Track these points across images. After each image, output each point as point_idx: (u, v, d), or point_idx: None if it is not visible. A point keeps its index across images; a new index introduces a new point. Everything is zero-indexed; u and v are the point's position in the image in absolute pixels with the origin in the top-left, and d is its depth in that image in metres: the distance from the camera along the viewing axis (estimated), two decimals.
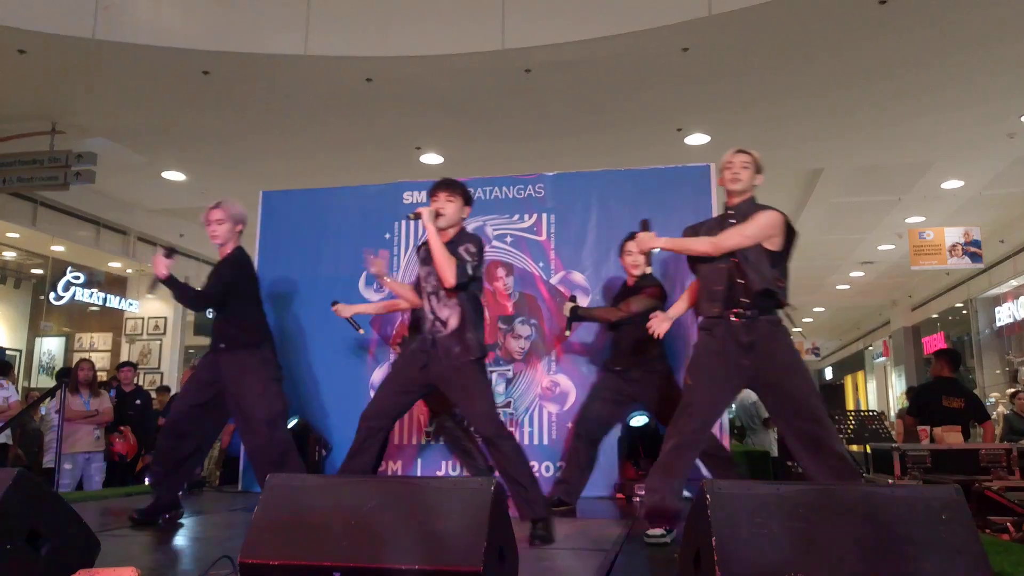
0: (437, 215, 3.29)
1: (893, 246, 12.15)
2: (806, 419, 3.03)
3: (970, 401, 5.74)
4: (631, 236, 3.94)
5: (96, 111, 7.34)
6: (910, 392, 11.76)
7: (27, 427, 7.44)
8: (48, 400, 7.03)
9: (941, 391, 5.82)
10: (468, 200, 3.42)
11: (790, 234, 3.18)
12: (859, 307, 18.01)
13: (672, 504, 3.06)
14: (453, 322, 3.27)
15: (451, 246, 3.26)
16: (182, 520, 3.71)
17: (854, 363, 23.73)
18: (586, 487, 4.43)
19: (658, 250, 3.67)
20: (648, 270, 4.16)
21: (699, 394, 3.14)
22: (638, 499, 4.34)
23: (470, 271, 3.24)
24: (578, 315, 4.15)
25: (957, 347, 14.99)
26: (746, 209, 3.21)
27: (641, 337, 3.81)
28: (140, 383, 8.54)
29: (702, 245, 3.20)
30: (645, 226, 3.41)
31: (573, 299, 4.20)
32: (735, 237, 3.14)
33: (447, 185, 3.37)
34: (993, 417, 11.69)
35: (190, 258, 12.12)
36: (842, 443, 3.09)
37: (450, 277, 3.19)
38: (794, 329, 3.19)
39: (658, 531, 3.06)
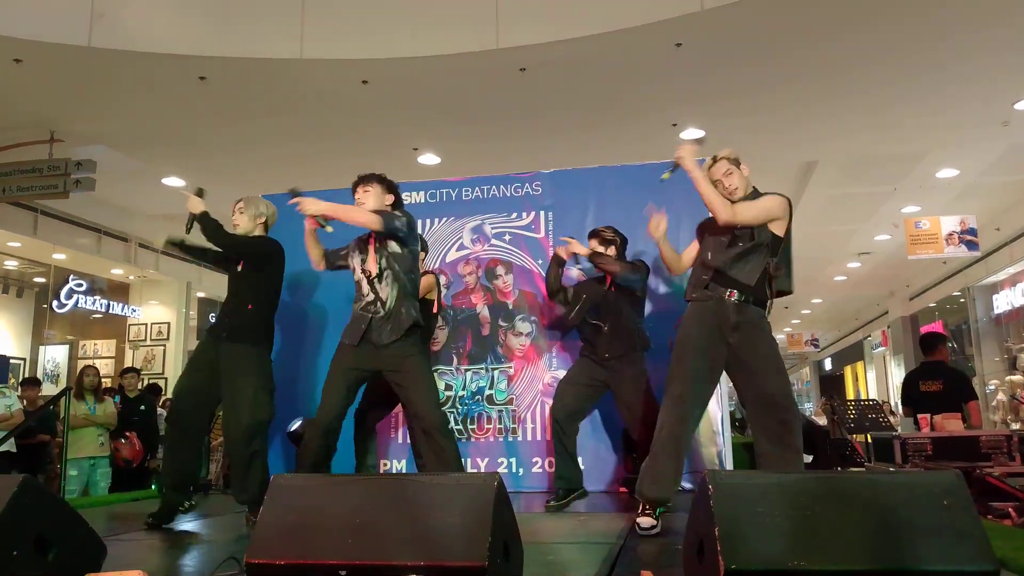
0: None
1: (889, 236, 12.15)
2: (774, 412, 3.12)
3: (950, 383, 5.69)
4: (592, 234, 4.31)
5: (94, 119, 7.34)
6: None
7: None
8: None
9: (919, 376, 5.85)
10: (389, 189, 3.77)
11: (791, 217, 3.29)
12: (857, 298, 18.02)
13: (668, 491, 3.12)
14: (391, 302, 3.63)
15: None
16: (188, 523, 3.74)
17: (853, 354, 23.74)
18: (590, 482, 4.45)
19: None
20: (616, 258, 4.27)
21: (680, 368, 3.21)
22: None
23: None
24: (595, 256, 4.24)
25: (956, 335, 15.01)
26: (752, 199, 3.30)
27: (625, 328, 4.07)
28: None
29: (724, 211, 3.19)
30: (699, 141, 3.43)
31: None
32: (745, 213, 3.21)
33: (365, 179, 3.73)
34: (993, 404, 11.73)
35: (191, 263, 12.14)
36: (801, 440, 3.16)
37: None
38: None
39: (649, 521, 3.09)
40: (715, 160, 3.37)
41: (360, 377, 3.67)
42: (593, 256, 4.21)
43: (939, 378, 5.72)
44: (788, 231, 3.27)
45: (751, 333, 3.16)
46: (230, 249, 3.86)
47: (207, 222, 3.76)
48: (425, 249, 4.77)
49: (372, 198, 3.68)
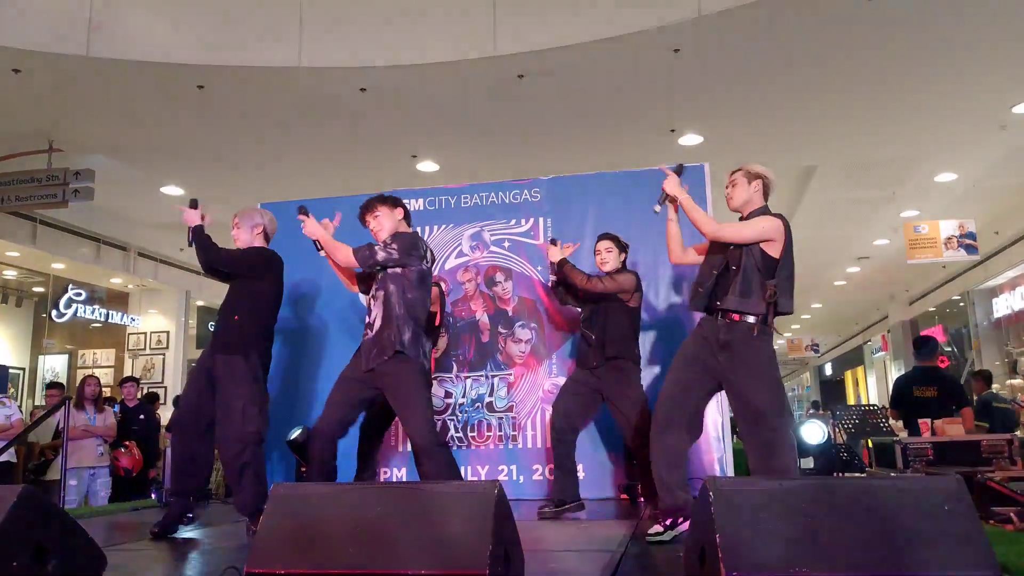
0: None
1: (888, 241, 12.16)
2: (759, 432, 3.12)
3: (944, 388, 5.68)
4: (602, 236, 4.23)
5: (93, 128, 7.36)
6: None
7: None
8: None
9: (913, 381, 5.84)
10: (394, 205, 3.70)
11: (789, 239, 3.26)
12: (857, 302, 18.01)
13: (675, 498, 3.12)
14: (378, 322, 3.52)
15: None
16: (189, 532, 3.73)
17: (853, 358, 23.73)
18: (591, 489, 4.44)
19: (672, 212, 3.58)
20: (618, 267, 4.19)
21: (670, 376, 3.32)
22: (642, 500, 4.35)
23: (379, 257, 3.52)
24: (562, 265, 4.22)
25: (956, 339, 15.00)
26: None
27: (612, 336, 4.03)
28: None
29: (707, 224, 3.30)
30: (679, 170, 3.50)
31: (554, 242, 4.35)
32: (731, 229, 3.27)
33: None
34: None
35: (190, 272, 12.14)
36: (790, 458, 3.12)
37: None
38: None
39: (658, 528, 3.09)
40: (737, 171, 3.40)
41: (360, 391, 3.55)
42: (562, 265, 4.21)
43: (933, 384, 5.71)
44: (788, 252, 3.24)
45: (740, 352, 3.16)
46: (219, 266, 3.83)
47: (200, 239, 3.75)
48: (433, 259, 4.73)
49: (384, 221, 3.61)
